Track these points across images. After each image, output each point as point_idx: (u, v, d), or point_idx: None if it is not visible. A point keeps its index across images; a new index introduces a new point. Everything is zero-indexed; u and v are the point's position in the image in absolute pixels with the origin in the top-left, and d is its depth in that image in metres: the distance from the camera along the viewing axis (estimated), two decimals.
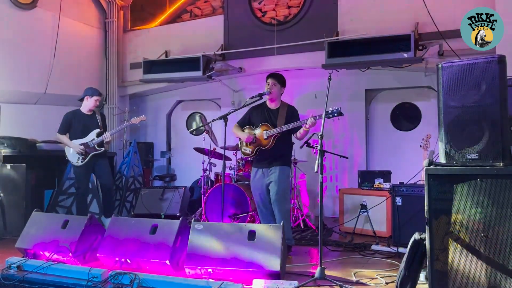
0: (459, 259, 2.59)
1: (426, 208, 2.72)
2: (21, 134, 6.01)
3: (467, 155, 2.70)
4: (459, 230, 2.60)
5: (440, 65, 2.85)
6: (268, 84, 4.27)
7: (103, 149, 5.22)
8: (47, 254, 3.67)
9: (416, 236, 2.93)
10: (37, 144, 6.19)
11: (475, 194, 2.58)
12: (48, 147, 6.24)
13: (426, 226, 2.70)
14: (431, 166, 2.76)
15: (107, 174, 5.32)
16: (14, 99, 6.17)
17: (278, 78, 4.31)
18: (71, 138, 5.16)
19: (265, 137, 4.21)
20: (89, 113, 5.27)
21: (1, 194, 5.07)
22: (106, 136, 5.14)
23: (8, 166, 5.21)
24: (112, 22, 7.77)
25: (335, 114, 3.75)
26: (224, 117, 4.16)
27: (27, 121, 6.38)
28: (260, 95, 4.26)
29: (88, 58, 7.50)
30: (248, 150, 4.33)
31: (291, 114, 4.24)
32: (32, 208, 4.22)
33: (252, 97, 4.26)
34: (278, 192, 4.15)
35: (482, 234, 2.54)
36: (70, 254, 3.58)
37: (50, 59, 6.59)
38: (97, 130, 5.21)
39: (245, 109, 4.51)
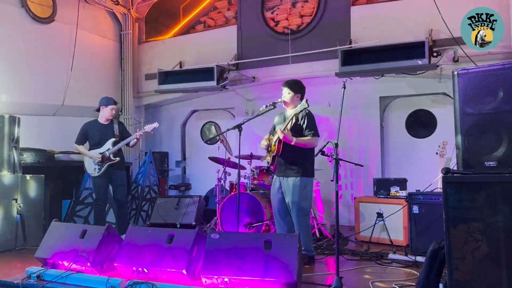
0: (479, 268, 2.55)
1: (444, 216, 2.68)
2: (40, 145, 6.14)
3: (485, 163, 2.67)
4: (478, 239, 2.57)
5: (456, 72, 2.83)
6: (284, 94, 4.25)
7: (118, 159, 5.17)
8: (66, 263, 3.71)
9: (434, 245, 2.90)
10: (55, 155, 6.31)
11: (495, 202, 2.54)
12: (66, 158, 6.38)
13: (444, 235, 2.67)
14: (449, 174, 2.73)
15: (122, 189, 5.27)
16: (33, 111, 6.29)
17: (292, 87, 4.20)
18: (90, 149, 5.20)
19: (273, 143, 4.16)
20: (106, 123, 5.26)
21: (21, 204, 5.15)
22: (131, 139, 5.12)
23: (28, 176, 5.31)
24: (127, 34, 7.91)
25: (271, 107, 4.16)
26: (239, 127, 4.18)
27: (45, 133, 6.49)
28: (274, 104, 4.23)
29: (104, 69, 7.63)
30: (268, 158, 4.32)
31: (298, 117, 4.02)
32: (51, 218, 4.27)
33: (266, 106, 4.24)
34: (292, 204, 4.09)
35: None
36: (89, 264, 3.61)
37: (67, 71, 6.72)
38: (113, 139, 5.17)
39: (262, 118, 4.49)
